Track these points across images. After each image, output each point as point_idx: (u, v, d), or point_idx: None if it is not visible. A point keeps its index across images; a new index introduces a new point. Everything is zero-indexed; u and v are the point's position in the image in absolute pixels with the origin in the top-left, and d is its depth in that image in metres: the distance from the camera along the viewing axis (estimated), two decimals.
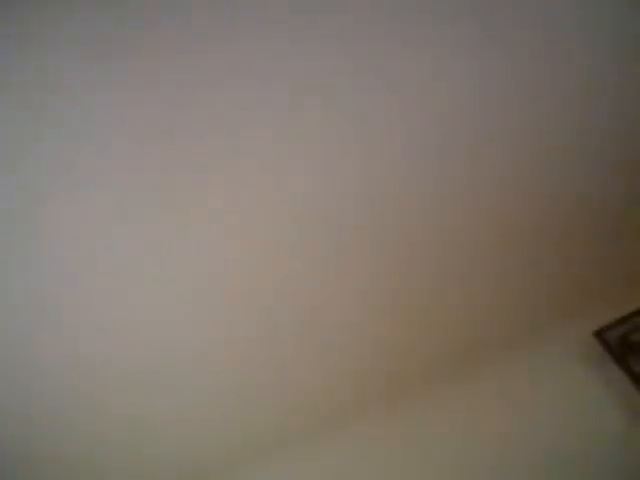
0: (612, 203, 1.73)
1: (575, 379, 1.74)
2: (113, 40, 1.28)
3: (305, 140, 1.47)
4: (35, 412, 1.67)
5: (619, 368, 1.67)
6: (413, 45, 1.41)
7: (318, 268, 1.64)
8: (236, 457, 1.91)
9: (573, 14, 1.45)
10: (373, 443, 1.83)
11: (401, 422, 1.84)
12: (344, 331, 1.75)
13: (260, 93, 1.39)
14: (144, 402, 1.73)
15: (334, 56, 1.38)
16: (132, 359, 1.65)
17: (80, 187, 1.40)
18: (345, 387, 1.86)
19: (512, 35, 1.44)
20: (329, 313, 1.71)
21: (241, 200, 1.51)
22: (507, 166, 1.61)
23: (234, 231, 1.54)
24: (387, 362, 1.84)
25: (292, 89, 1.40)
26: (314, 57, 1.38)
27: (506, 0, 1.41)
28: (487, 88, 1.49)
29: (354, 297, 1.70)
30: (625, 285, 1.84)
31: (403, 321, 1.78)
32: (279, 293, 1.65)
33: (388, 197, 1.59)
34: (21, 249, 1.43)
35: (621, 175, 1.70)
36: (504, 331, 1.87)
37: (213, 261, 1.56)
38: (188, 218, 1.49)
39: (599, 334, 1.73)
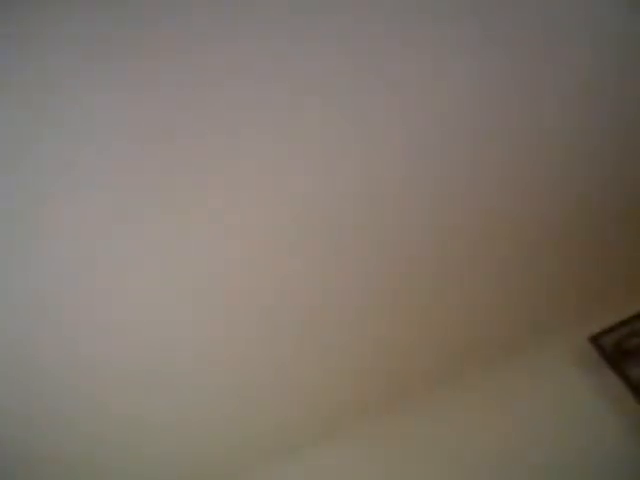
0: (612, 203, 1.73)
1: (573, 381, 1.74)
2: (113, 40, 1.28)
3: (305, 140, 1.47)
4: (35, 412, 1.67)
5: (614, 373, 1.67)
6: (413, 45, 1.41)
7: (318, 268, 1.64)
8: (236, 457, 1.91)
9: (573, 14, 1.45)
10: (373, 443, 1.83)
11: (401, 422, 1.84)
12: (344, 331, 1.75)
13: (260, 93, 1.39)
14: (144, 402, 1.73)
15: (334, 56, 1.38)
16: (132, 359, 1.65)
17: (80, 187, 1.40)
18: (345, 387, 1.86)
19: (512, 35, 1.44)
20: (329, 313, 1.71)
21: (241, 200, 1.51)
22: (507, 166, 1.61)
23: (234, 231, 1.54)
24: (387, 362, 1.84)
25: (292, 89, 1.40)
26: (314, 57, 1.38)
27: (506, 0, 1.41)
28: (487, 88, 1.49)
29: (354, 297, 1.70)
30: (625, 286, 1.84)
31: (403, 321, 1.78)
32: (279, 293, 1.65)
33: (388, 197, 1.59)
34: (21, 249, 1.43)
35: (621, 175, 1.70)
36: (504, 331, 1.87)
37: (213, 261, 1.56)
38: (188, 218, 1.49)
39: (594, 339, 1.73)
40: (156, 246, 1.51)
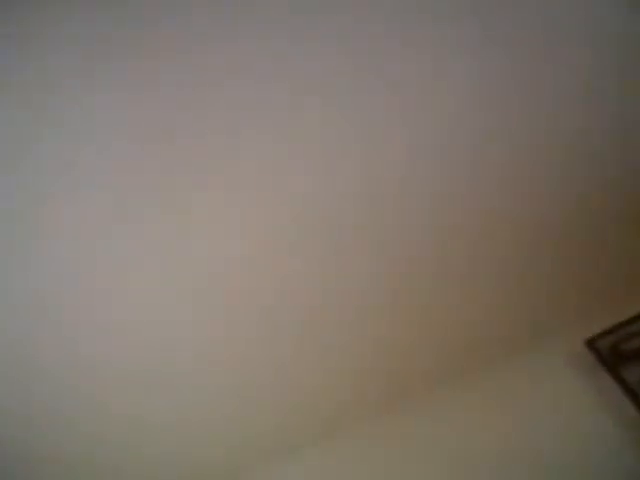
0: (612, 203, 1.73)
1: (572, 382, 1.74)
2: (113, 40, 1.28)
3: (305, 140, 1.47)
4: (35, 412, 1.67)
5: (610, 376, 1.67)
6: (413, 45, 1.41)
7: (318, 268, 1.64)
8: (236, 457, 1.91)
9: (573, 14, 1.45)
10: (373, 443, 1.83)
11: (401, 422, 1.84)
12: (344, 331, 1.75)
13: (260, 93, 1.39)
14: (144, 402, 1.73)
15: (334, 56, 1.38)
16: (132, 359, 1.65)
17: (80, 187, 1.40)
18: (345, 387, 1.86)
19: (512, 35, 1.44)
20: (329, 313, 1.71)
21: (241, 200, 1.51)
22: (507, 166, 1.61)
23: (234, 231, 1.54)
24: (387, 362, 1.84)
25: (292, 89, 1.40)
26: (314, 57, 1.38)
27: (506, 0, 1.41)
28: (487, 88, 1.49)
29: (354, 297, 1.70)
30: (625, 286, 1.84)
31: (403, 321, 1.78)
32: (279, 293, 1.65)
33: (388, 197, 1.59)
34: (21, 249, 1.43)
35: (621, 175, 1.70)
36: (504, 331, 1.87)
37: (213, 261, 1.56)
38: (188, 218, 1.49)
39: (591, 343, 1.73)
40: (156, 246, 1.51)
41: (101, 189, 1.41)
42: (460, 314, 1.81)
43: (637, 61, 1.53)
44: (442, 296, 1.77)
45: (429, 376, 1.89)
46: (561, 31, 1.46)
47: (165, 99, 1.35)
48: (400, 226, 1.63)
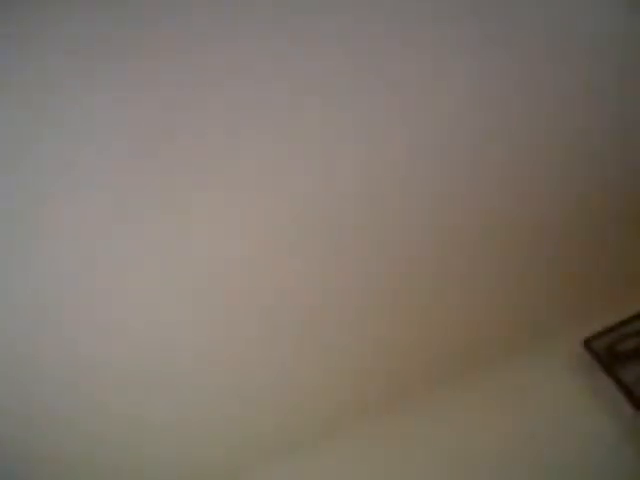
0: (612, 203, 1.73)
1: (571, 382, 1.74)
2: (113, 40, 1.28)
3: (305, 140, 1.47)
4: (35, 412, 1.66)
5: (608, 377, 1.68)
6: (413, 45, 1.41)
7: (318, 268, 1.64)
8: (236, 457, 1.90)
9: (573, 14, 1.45)
10: (373, 443, 1.83)
11: (401, 422, 1.84)
12: (344, 331, 1.75)
13: (260, 93, 1.39)
14: (144, 402, 1.73)
15: (334, 56, 1.38)
16: (132, 359, 1.65)
17: (80, 187, 1.40)
18: (345, 387, 1.86)
19: (512, 35, 1.44)
20: (329, 313, 1.71)
21: (241, 200, 1.51)
22: (507, 166, 1.61)
23: (234, 231, 1.54)
24: (387, 362, 1.84)
25: (292, 89, 1.40)
26: (314, 57, 1.38)
27: (506, 0, 1.41)
28: (487, 88, 1.49)
29: (354, 297, 1.70)
30: (625, 286, 1.84)
31: (403, 321, 1.78)
32: (279, 293, 1.65)
33: (388, 197, 1.59)
34: (21, 249, 1.43)
35: (621, 175, 1.70)
36: (504, 331, 1.87)
37: (213, 261, 1.56)
38: (188, 218, 1.49)
39: (587, 343, 1.73)
40: (156, 246, 1.51)
41: (101, 189, 1.41)
42: (460, 314, 1.81)
43: (637, 61, 1.53)
44: (442, 296, 1.77)
45: (429, 376, 1.89)
46: (561, 31, 1.46)
47: (165, 99, 1.35)
48: (400, 226, 1.63)
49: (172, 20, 1.28)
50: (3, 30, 1.23)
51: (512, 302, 1.83)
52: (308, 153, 1.49)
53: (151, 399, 1.73)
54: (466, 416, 1.79)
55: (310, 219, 1.57)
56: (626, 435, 1.61)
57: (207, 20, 1.30)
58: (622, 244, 1.80)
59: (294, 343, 1.74)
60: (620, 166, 1.68)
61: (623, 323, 1.73)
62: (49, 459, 1.77)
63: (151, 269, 1.53)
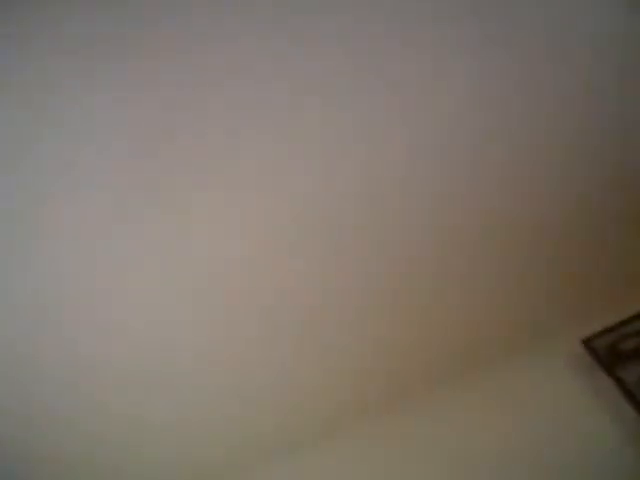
0: (612, 203, 1.73)
1: (571, 382, 1.74)
2: (113, 40, 1.28)
3: (305, 140, 1.47)
4: (35, 412, 1.67)
5: (608, 377, 1.67)
6: (413, 45, 1.41)
7: (318, 268, 1.64)
8: (236, 457, 1.91)
9: (573, 14, 1.45)
10: (373, 443, 1.83)
11: (401, 422, 1.84)
12: (344, 331, 1.75)
13: (260, 93, 1.39)
14: (144, 402, 1.73)
15: (334, 56, 1.39)
16: (132, 359, 1.65)
17: (80, 187, 1.40)
18: (345, 387, 1.86)
19: (512, 35, 1.44)
20: (329, 313, 1.71)
21: (241, 200, 1.51)
22: (507, 166, 1.61)
23: (234, 231, 1.54)
24: (387, 362, 1.84)
25: (292, 89, 1.40)
26: (314, 57, 1.38)
27: (506, 0, 1.41)
28: (487, 88, 1.49)
29: (354, 297, 1.70)
30: (625, 286, 1.84)
31: (403, 321, 1.78)
32: (279, 293, 1.65)
33: (388, 197, 1.59)
34: (21, 249, 1.43)
35: (621, 175, 1.70)
36: (504, 331, 1.87)
37: (213, 261, 1.56)
38: (188, 218, 1.49)
39: (587, 342, 1.73)
40: (156, 246, 1.51)
41: (101, 189, 1.41)
42: (460, 314, 1.81)
43: (637, 61, 1.53)
44: (442, 296, 1.77)
45: (429, 376, 1.89)
46: (561, 31, 1.46)
47: (165, 99, 1.35)
48: (400, 226, 1.63)
49: (172, 20, 1.29)
50: (3, 30, 1.23)
51: (512, 302, 1.83)
52: (308, 153, 1.49)
53: (151, 399, 1.73)
54: (466, 416, 1.79)
55: (310, 219, 1.57)
56: (626, 435, 1.61)
57: (207, 20, 1.30)
58: (622, 244, 1.80)
59: (294, 343, 1.74)
60: (620, 166, 1.68)
61: (623, 323, 1.73)
62: (49, 459, 1.77)
63: (151, 269, 1.53)
